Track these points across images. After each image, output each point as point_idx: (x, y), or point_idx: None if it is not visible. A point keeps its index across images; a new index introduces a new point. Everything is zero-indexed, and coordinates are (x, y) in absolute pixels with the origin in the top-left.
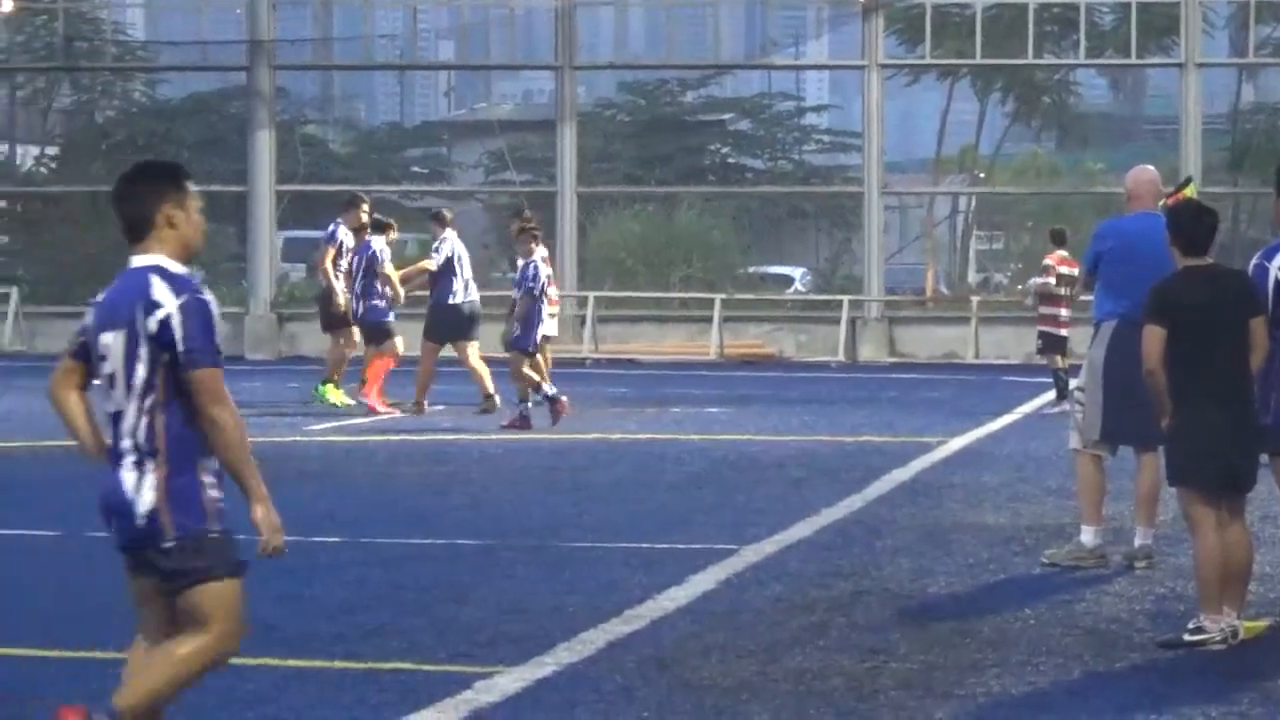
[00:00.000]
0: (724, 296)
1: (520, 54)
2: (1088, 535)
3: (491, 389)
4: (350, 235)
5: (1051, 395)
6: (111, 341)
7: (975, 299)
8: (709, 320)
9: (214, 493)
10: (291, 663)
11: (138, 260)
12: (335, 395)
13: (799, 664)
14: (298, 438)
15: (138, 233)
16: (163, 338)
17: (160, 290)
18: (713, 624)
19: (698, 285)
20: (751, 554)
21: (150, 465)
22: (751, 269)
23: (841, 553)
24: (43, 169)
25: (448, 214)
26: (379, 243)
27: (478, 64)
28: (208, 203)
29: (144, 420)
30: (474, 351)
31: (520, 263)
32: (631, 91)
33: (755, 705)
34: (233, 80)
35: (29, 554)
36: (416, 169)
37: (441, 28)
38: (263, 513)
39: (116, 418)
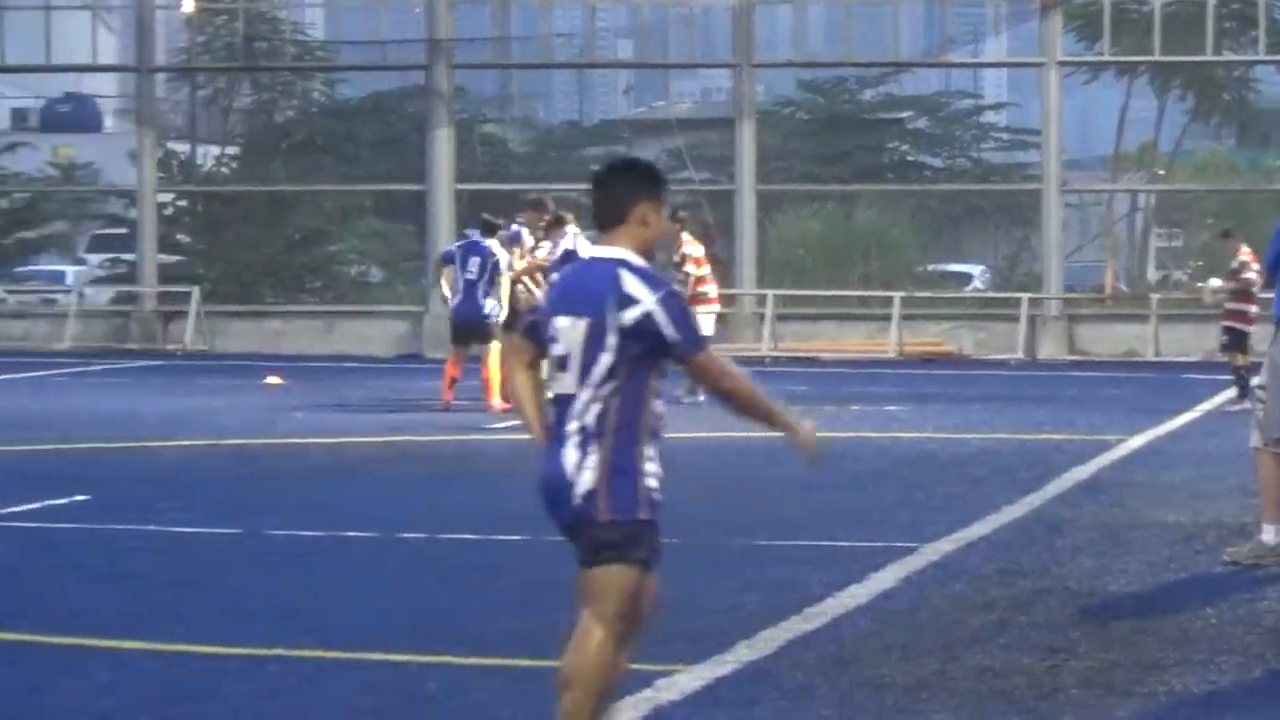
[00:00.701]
0: (903, 294)
1: (699, 52)
2: (1269, 534)
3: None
4: (530, 236)
5: (1232, 393)
6: (568, 327)
7: (1155, 296)
8: (888, 318)
9: (651, 481)
10: (474, 660)
11: (601, 251)
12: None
13: (979, 662)
14: (479, 436)
15: (609, 223)
16: (641, 331)
17: (633, 285)
18: (893, 622)
19: (876, 283)
20: (931, 552)
21: (594, 448)
22: (930, 267)
23: (1021, 551)
24: (223, 169)
25: (567, 214)
26: (496, 245)
27: (656, 62)
28: (386, 202)
29: (596, 406)
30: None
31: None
32: (810, 89)
33: (935, 703)
34: (412, 79)
35: (208, 552)
36: (595, 167)
37: (620, 26)
38: (803, 431)
39: (565, 400)
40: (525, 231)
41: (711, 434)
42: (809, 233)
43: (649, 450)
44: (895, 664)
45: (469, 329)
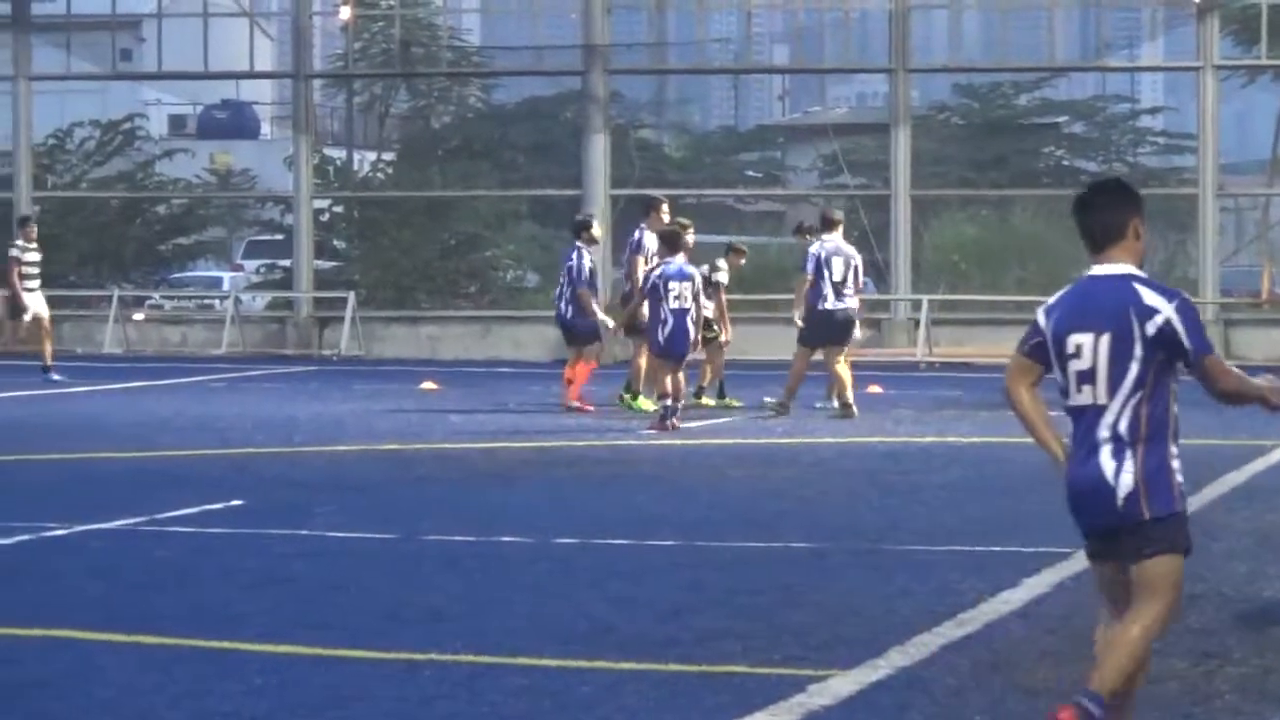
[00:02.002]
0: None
1: (855, 57)
2: None
3: (850, 398)
4: (654, 239)
5: None
6: (1087, 342)
7: None
8: None
9: (1180, 477)
10: (626, 665)
11: (1103, 269)
12: (645, 404)
13: None
14: (632, 441)
15: (1106, 241)
16: (1163, 339)
17: (1151, 296)
18: (1047, 627)
19: (1032, 288)
20: (1085, 557)
21: (1129, 453)
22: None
23: None
24: (379, 175)
25: (807, 222)
26: (577, 253)
27: (812, 67)
28: (542, 207)
29: (1127, 414)
30: (839, 357)
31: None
32: (966, 94)
33: None
34: (567, 85)
35: (362, 557)
36: (751, 173)
37: (775, 31)
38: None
39: (1091, 411)
40: (649, 236)
41: (867, 438)
42: (964, 238)
43: (1174, 449)
44: (1048, 670)
45: (562, 331)
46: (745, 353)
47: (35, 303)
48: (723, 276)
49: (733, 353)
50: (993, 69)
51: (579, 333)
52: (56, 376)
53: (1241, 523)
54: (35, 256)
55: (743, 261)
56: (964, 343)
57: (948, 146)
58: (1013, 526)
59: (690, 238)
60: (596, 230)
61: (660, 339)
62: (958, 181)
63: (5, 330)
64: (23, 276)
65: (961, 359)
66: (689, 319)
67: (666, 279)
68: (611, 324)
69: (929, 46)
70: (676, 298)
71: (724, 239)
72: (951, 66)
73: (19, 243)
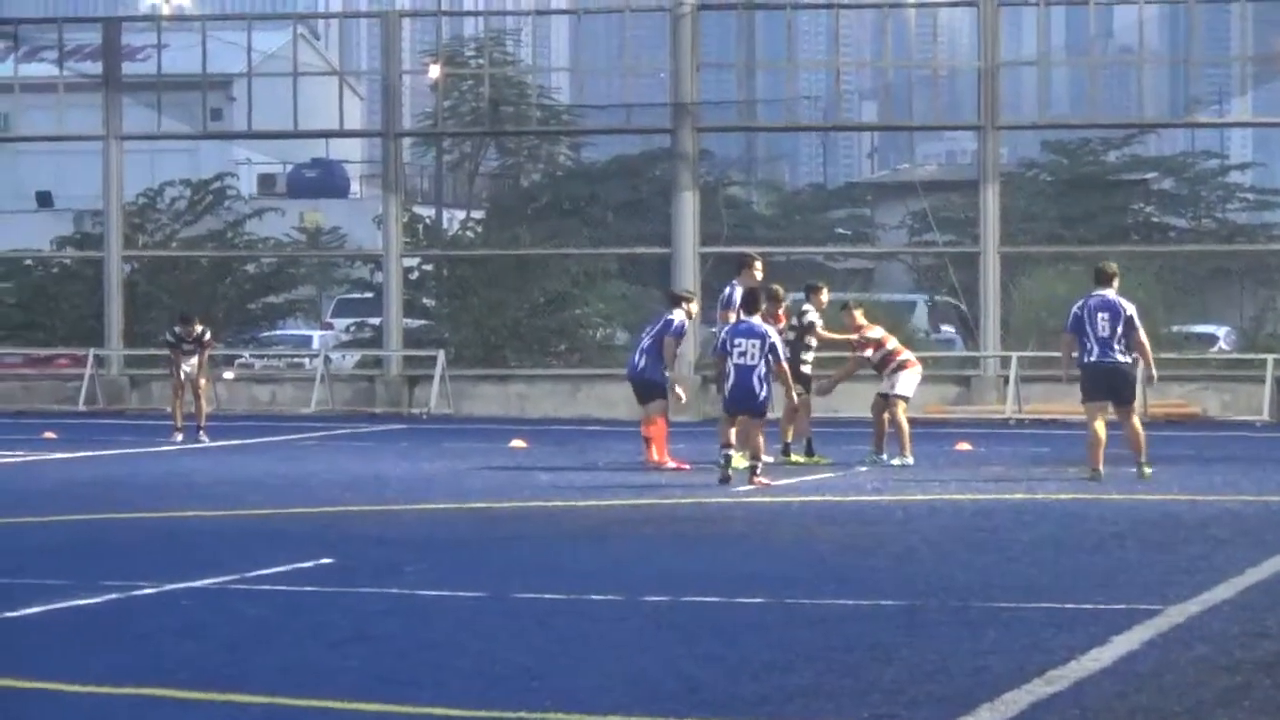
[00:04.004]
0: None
1: (943, 114)
2: None
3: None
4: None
5: None
6: None
7: None
8: None
9: None
10: None
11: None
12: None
13: None
14: (723, 499)
15: None
16: None
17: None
18: (1136, 685)
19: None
20: (1176, 614)
21: None
22: (1175, 328)
23: (1267, 613)
24: (469, 233)
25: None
26: (679, 315)
27: (900, 124)
28: (632, 265)
29: None
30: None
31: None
32: (1055, 151)
33: None
34: (656, 142)
35: (452, 615)
36: (840, 230)
37: (864, 88)
38: None
39: None
40: (740, 293)
41: (957, 496)
42: (1053, 294)
43: None
44: None
45: (633, 386)
46: (836, 410)
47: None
48: (814, 316)
49: (820, 409)
50: (1081, 125)
51: (650, 387)
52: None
53: None
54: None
55: (824, 298)
56: (1053, 400)
57: (1036, 203)
58: (1102, 583)
59: (783, 306)
60: (695, 307)
61: (724, 393)
62: (1046, 238)
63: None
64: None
65: (1050, 416)
66: (755, 375)
67: (734, 335)
68: (680, 389)
69: (1018, 103)
70: (742, 354)
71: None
72: (1040, 123)
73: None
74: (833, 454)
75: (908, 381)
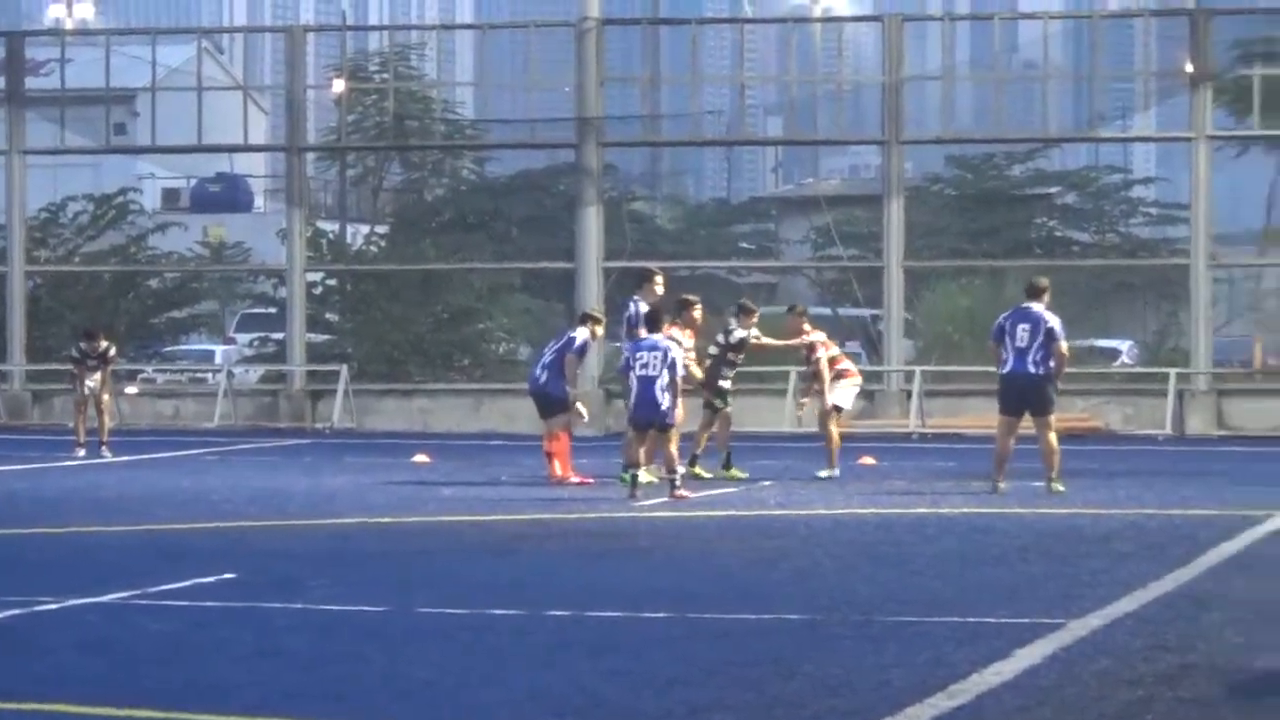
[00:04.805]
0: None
1: (847, 128)
2: None
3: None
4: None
5: None
6: None
7: None
8: None
9: None
10: None
11: None
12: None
13: None
14: (627, 513)
15: None
16: None
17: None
18: (1039, 698)
19: None
20: (1078, 628)
21: None
22: (1078, 342)
23: (1168, 627)
24: (372, 247)
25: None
26: (583, 334)
27: (805, 139)
28: (536, 280)
29: None
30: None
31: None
32: (959, 165)
33: None
34: (561, 157)
35: (357, 630)
36: (744, 244)
37: (769, 103)
38: None
39: None
40: (644, 308)
41: (861, 510)
42: (957, 308)
43: None
44: None
45: (535, 401)
46: (740, 425)
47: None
48: (742, 333)
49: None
50: (985, 140)
51: (551, 401)
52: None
53: (1234, 593)
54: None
55: (755, 320)
56: (956, 413)
57: (941, 217)
58: (1005, 597)
59: (698, 312)
60: (601, 330)
61: (629, 407)
62: (950, 252)
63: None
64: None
65: (954, 430)
66: (657, 387)
67: (636, 350)
68: (582, 407)
69: (922, 117)
70: (644, 366)
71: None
72: (945, 138)
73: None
74: (744, 469)
75: (845, 393)
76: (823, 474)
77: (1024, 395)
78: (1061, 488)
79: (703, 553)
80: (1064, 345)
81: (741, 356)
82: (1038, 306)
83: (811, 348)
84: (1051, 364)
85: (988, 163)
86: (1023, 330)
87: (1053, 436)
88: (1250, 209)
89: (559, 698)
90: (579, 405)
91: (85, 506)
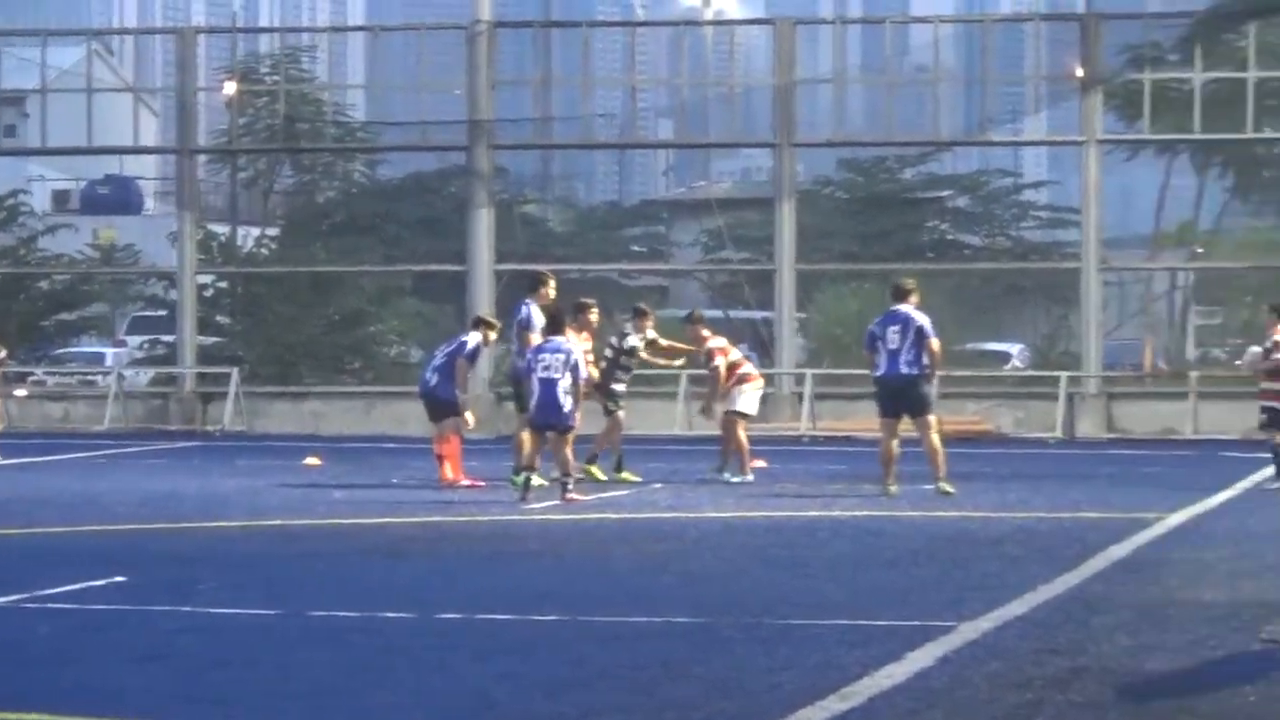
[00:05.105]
0: (942, 373)
1: (739, 131)
2: None
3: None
4: (541, 313)
5: (1271, 471)
6: None
7: (1194, 374)
8: None
9: None
10: None
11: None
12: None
13: None
14: (517, 516)
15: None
16: None
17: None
18: (930, 701)
19: None
20: (969, 631)
21: None
22: (969, 345)
23: (1058, 630)
24: (263, 250)
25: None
26: (474, 338)
27: (697, 142)
28: (426, 283)
29: None
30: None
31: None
32: (850, 169)
33: None
34: (452, 160)
35: (247, 633)
36: (635, 247)
37: (660, 106)
38: None
39: None
40: (536, 311)
41: (752, 513)
42: (848, 312)
43: None
44: None
45: (425, 404)
46: (631, 427)
47: None
48: (635, 340)
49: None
50: (877, 143)
51: (441, 404)
52: None
53: (1124, 596)
54: None
55: (649, 323)
56: (847, 416)
57: (832, 220)
58: (896, 600)
59: (594, 315)
60: (494, 335)
61: (530, 409)
62: (842, 256)
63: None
64: None
65: (844, 433)
66: (558, 389)
67: (538, 353)
68: (470, 413)
69: (813, 121)
70: (546, 368)
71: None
72: (836, 141)
73: None
74: (633, 470)
75: (749, 399)
76: (734, 479)
77: (900, 397)
78: (950, 489)
79: (594, 555)
80: (935, 343)
81: (635, 361)
82: (905, 307)
83: (710, 354)
84: (925, 363)
85: (879, 166)
86: (893, 333)
87: (934, 437)
88: (1140, 213)
89: (449, 700)
90: (466, 413)
91: None
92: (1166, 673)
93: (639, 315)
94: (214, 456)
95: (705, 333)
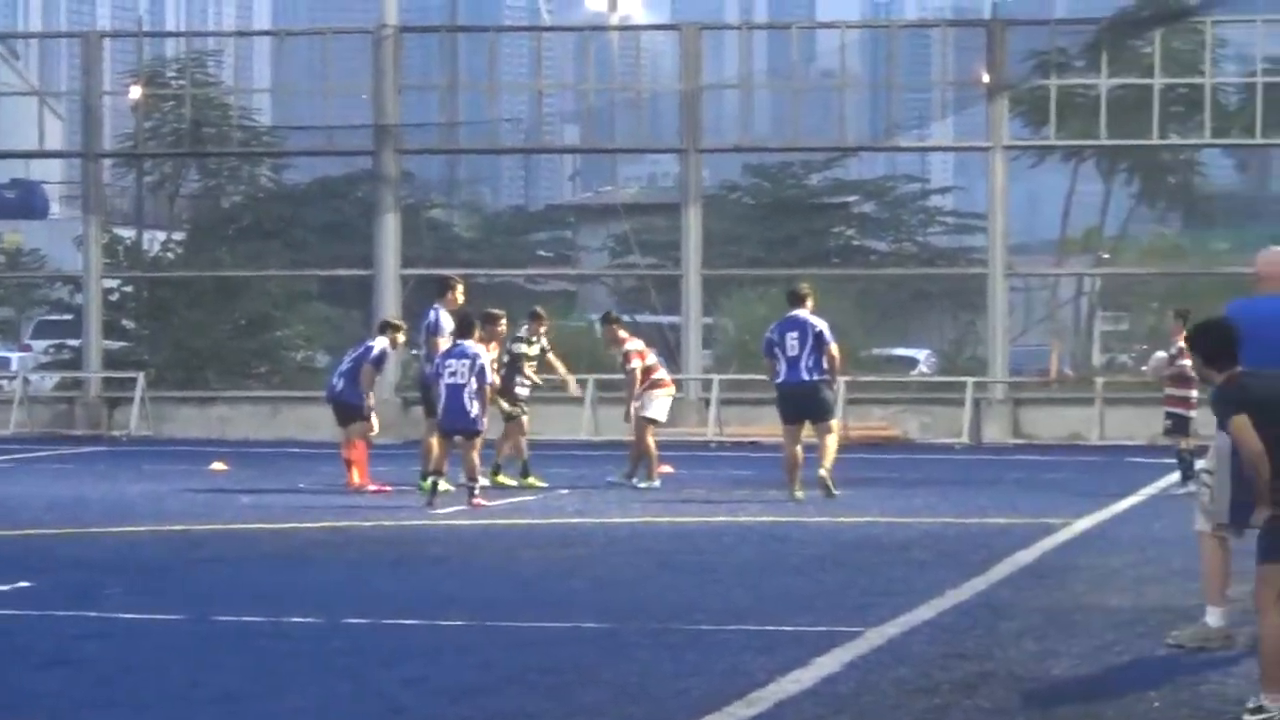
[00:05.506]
0: (848, 379)
1: (646, 137)
2: (1213, 617)
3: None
4: (450, 318)
5: (1176, 476)
6: None
7: (1100, 380)
8: None
9: None
10: None
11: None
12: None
13: None
14: (424, 521)
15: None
16: None
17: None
18: (837, 706)
19: None
20: (876, 636)
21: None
22: (876, 351)
23: (965, 635)
24: (169, 254)
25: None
26: (381, 343)
27: (603, 147)
28: (333, 287)
29: None
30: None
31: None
32: (756, 174)
33: None
34: (358, 164)
35: (153, 638)
36: (542, 252)
37: (567, 111)
38: None
39: None
40: (445, 316)
41: (659, 518)
42: (755, 317)
43: None
44: None
45: (333, 409)
46: (538, 433)
47: None
48: (525, 347)
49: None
50: (783, 149)
51: (348, 409)
52: None
53: (1030, 601)
54: None
55: (543, 327)
56: (753, 422)
57: (739, 226)
58: (803, 605)
59: (503, 326)
60: (402, 337)
61: (439, 414)
62: (748, 261)
63: None
64: None
65: (751, 438)
66: (465, 394)
67: (446, 357)
68: (375, 419)
69: (720, 127)
70: (453, 374)
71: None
72: (743, 146)
73: None
74: (539, 476)
75: (660, 405)
76: (642, 485)
77: (802, 404)
78: (829, 479)
79: (501, 561)
80: (834, 348)
81: (534, 365)
82: (803, 313)
83: (627, 356)
84: (825, 368)
85: (785, 171)
86: (792, 339)
87: (831, 440)
88: (1047, 218)
89: (356, 706)
90: (372, 416)
91: None
92: (1072, 678)
93: (533, 319)
94: (120, 461)
95: (622, 334)
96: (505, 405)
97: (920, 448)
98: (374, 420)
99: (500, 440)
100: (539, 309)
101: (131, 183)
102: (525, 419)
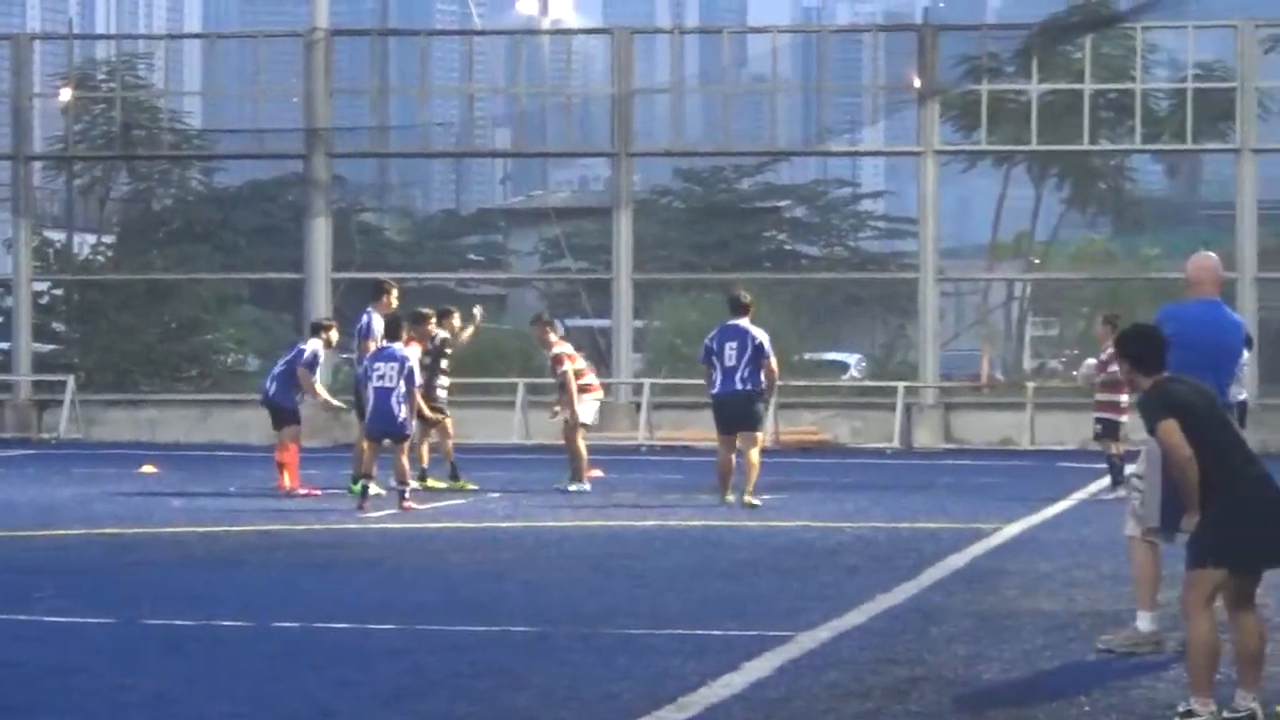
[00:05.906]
0: (779, 383)
1: (577, 140)
2: (1144, 621)
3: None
4: (382, 322)
5: (1106, 481)
6: None
7: (1031, 385)
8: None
9: None
10: None
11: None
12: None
13: None
14: (355, 525)
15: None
16: None
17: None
18: (767, 711)
19: None
20: (806, 640)
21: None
22: (806, 355)
23: (896, 639)
24: (99, 257)
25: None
26: (313, 345)
27: (534, 151)
28: (264, 291)
29: None
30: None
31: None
32: (688, 178)
33: None
34: (289, 168)
35: (83, 642)
36: (473, 256)
37: (498, 115)
38: None
39: None
40: (377, 320)
41: (589, 522)
42: (685, 321)
43: None
44: None
45: (268, 412)
46: (468, 436)
47: None
48: (444, 333)
49: (455, 436)
50: (714, 153)
51: (281, 412)
52: None
53: (961, 605)
54: None
55: (457, 323)
56: (685, 426)
57: (670, 230)
58: (734, 610)
59: (431, 325)
60: (334, 335)
61: (365, 418)
62: (680, 265)
63: None
64: None
65: (682, 442)
66: (394, 398)
67: (374, 361)
68: (337, 403)
69: (651, 131)
70: (381, 377)
71: None
72: (674, 150)
73: None
74: (470, 479)
75: (588, 408)
76: (571, 488)
77: (733, 413)
78: (756, 502)
79: (431, 564)
80: (774, 361)
81: (447, 362)
82: (744, 322)
83: (558, 359)
84: (761, 379)
85: (717, 176)
86: (730, 349)
87: (756, 453)
88: (978, 223)
89: (286, 710)
90: (334, 401)
91: None
92: (1003, 682)
93: (444, 315)
94: (49, 464)
95: (552, 337)
96: (427, 410)
97: (851, 452)
98: (336, 402)
99: (420, 444)
100: (449, 307)
101: (62, 185)
102: (449, 420)
